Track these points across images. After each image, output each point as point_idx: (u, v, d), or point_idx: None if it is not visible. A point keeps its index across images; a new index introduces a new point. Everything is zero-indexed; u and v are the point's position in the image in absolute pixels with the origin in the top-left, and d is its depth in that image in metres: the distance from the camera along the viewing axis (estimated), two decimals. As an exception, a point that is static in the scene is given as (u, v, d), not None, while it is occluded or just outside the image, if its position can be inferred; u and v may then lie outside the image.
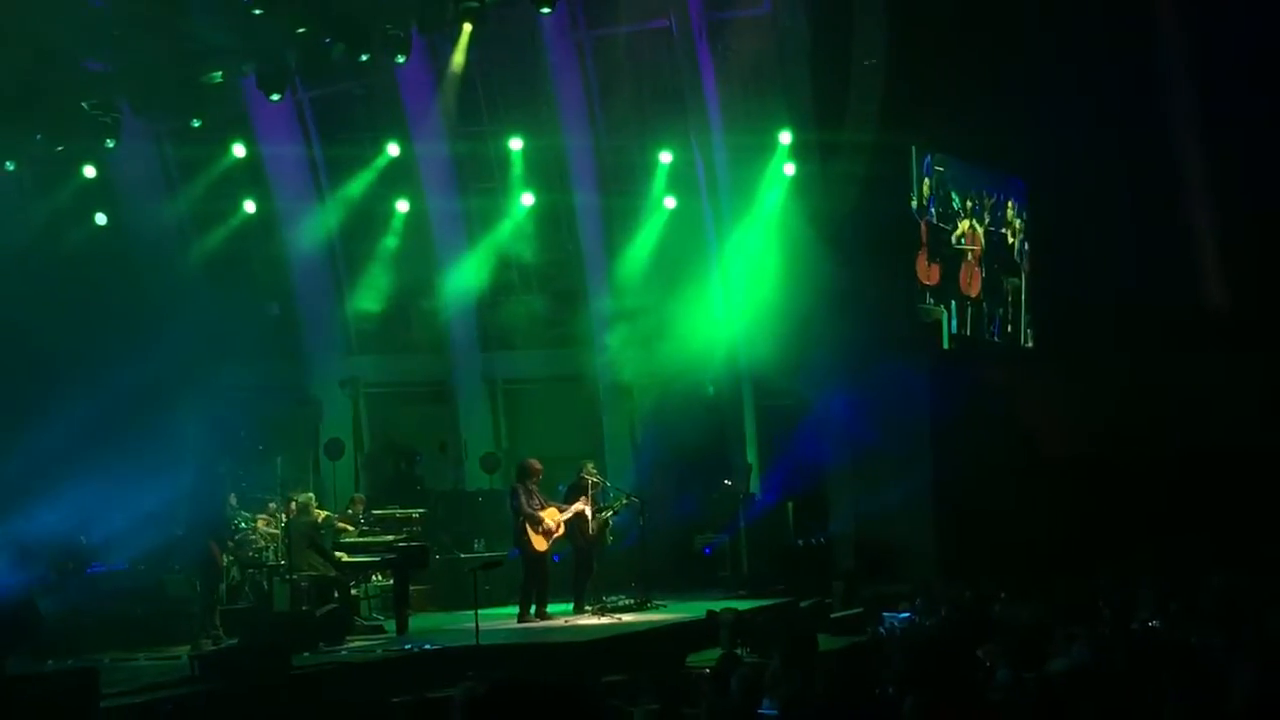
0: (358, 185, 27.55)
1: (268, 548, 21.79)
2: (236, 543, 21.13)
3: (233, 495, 21.60)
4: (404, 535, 22.50)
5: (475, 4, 21.73)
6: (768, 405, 27.46)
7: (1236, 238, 26.80)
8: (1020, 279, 28.73)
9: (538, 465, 21.92)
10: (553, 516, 21.52)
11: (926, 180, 26.73)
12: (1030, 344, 28.80)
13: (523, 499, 21.57)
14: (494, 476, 27.58)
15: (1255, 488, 25.24)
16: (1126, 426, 26.23)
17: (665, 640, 19.37)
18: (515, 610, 21.28)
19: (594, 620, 20.93)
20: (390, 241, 28.10)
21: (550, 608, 21.53)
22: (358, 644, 19.15)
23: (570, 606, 21.74)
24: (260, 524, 21.94)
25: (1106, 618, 15.56)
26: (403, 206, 27.89)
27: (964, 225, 27.48)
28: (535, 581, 21.48)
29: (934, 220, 26.84)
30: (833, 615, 22.51)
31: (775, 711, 10.47)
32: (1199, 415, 25.92)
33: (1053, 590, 20.26)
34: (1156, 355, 26.37)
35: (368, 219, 28.10)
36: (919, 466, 26.10)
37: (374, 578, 22.58)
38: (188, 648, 17.93)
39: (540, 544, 21.39)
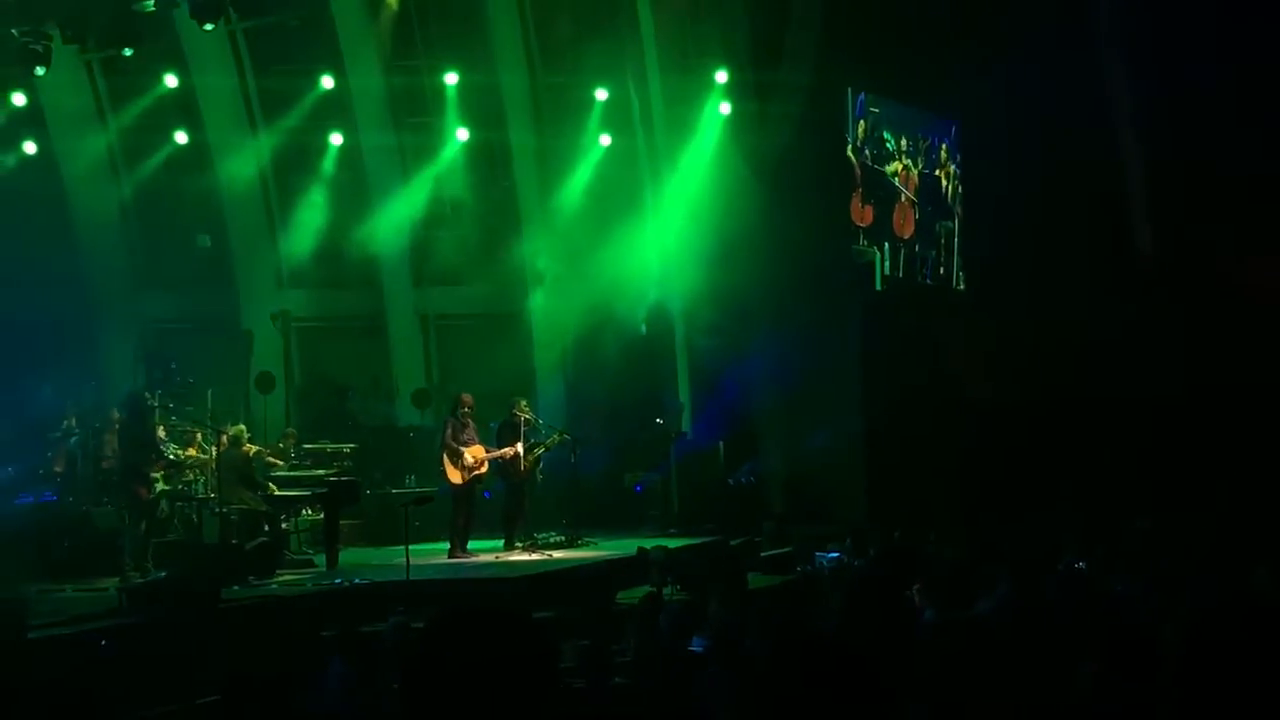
0: (291, 118, 27.31)
1: (197, 480, 21.70)
2: (168, 472, 20.90)
3: (161, 428, 21.44)
4: (335, 470, 22.48)
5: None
6: (700, 344, 27.45)
7: (1165, 186, 27.00)
8: (953, 222, 28.83)
9: (468, 398, 21.94)
10: (477, 454, 21.51)
11: (862, 122, 26.77)
12: (962, 287, 28.93)
13: (448, 431, 21.64)
14: (425, 412, 27.54)
15: (1178, 433, 25.55)
16: (1055, 371, 26.43)
17: (596, 577, 19.50)
18: (446, 546, 21.32)
19: (525, 556, 21.00)
20: (323, 175, 27.90)
21: (480, 544, 21.59)
22: (287, 578, 19.17)
23: (501, 543, 21.79)
24: (191, 452, 21.83)
25: (1032, 560, 15.73)
26: (336, 140, 27.66)
27: (897, 165, 27.54)
28: (456, 515, 21.50)
29: (868, 162, 26.89)
30: (762, 554, 22.66)
31: (701, 648, 10.56)
32: (1125, 361, 26.12)
33: (980, 532, 20.49)
34: (1085, 301, 26.56)
35: (301, 152, 27.85)
36: (849, 407, 26.24)
37: (304, 512, 22.54)
38: (116, 580, 17.86)
39: (455, 476, 21.41)
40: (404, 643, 12.00)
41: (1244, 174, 25.68)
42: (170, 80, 26.08)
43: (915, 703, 6.49)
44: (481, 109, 27.52)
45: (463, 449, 21.41)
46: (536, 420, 22.76)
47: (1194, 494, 23.64)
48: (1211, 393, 25.63)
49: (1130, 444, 25.57)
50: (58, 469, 22.10)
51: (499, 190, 28.36)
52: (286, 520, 21.77)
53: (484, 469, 21.69)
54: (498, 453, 21.81)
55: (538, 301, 27.46)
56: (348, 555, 21.10)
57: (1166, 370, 25.88)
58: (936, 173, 28.51)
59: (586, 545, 22.16)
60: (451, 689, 3.63)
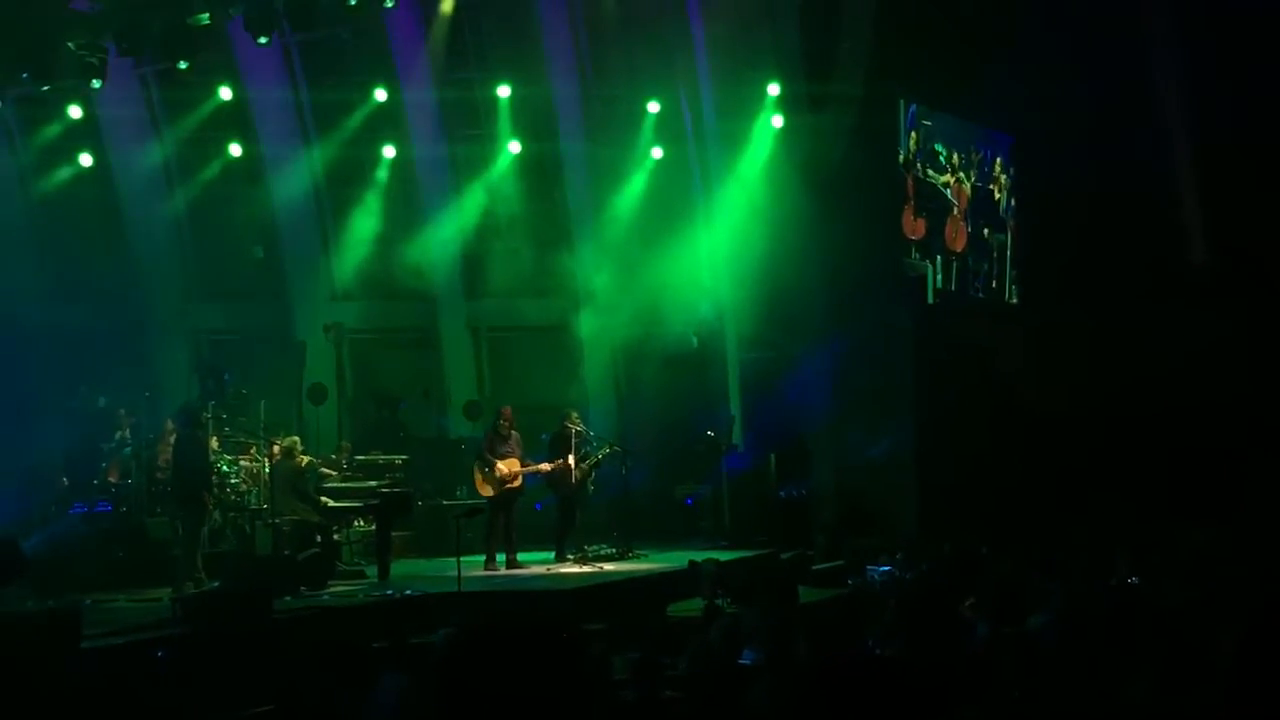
0: (344, 130, 27.40)
1: (250, 491, 21.78)
2: (219, 485, 21.04)
3: (215, 439, 21.54)
4: (386, 481, 22.49)
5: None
6: (751, 357, 27.38)
7: (1218, 194, 26.84)
8: (1006, 235, 28.73)
9: (506, 410, 22.17)
10: (511, 466, 21.53)
11: (914, 134, 26.70)
12: (1015, 300, 28.82)
13: (484, 442, 21.84)
14: (477, 424, 27.53)
15: (1234, 444, 25.38)
16: (1108, 383, 26.29)
17: (647, 590, 19.47)
18: (500, 558, 21.39)
19: (576, 569, 21.01)
20: (376, 187, 27.99)
21: (531, 556, 21.63)
22: (339, 589, 19.21)
23: (552, 555, 21.80)
24: (244, 461, 21.93)
25: (1084, 573, 15.63)
26: (389, 152, 27.76)
27: (949, 178, 27.45)
28: (493, 526, 21.57)
29: (920, 174, 26.82)
30: (814, 567, 22.57)
31: (750, 661, 10.51)
32: (1180, 371, 25.96)
33: (1032, 546, 20.37)
34: (1138, 312, 26.43)
35: (354, 164, 27.93)
36: (901, 421, 26.14)
37: (356, 523, 22.57)
38: (169, 590, 17.93)
39: (483, 489, 21.54)
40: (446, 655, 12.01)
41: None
42: (225, 93, 26.17)
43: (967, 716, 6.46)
44: (534, 121, 27.57)
45: (495, 461, 21.46)
46: (588, 432, 22.76)
47: (1250, 506, 23.46)
48: (1267, 402, 25.47)
49: (1185, 455, 25.40)
50: (112, 479, 22.20)
51: (551, 203, 28.38)
52: (338, 531, 21.82)
53: (518, 482, 21.71)
54: (534, 467, 21.87)
55: (589, 314, 27.43)
56: (399, 567, 21.15)
57: (1221, 380, 25.71)
58: (989, 186, 28.41)
59: (637, 558, 22.16)
60: (487, 704, 3.63)
